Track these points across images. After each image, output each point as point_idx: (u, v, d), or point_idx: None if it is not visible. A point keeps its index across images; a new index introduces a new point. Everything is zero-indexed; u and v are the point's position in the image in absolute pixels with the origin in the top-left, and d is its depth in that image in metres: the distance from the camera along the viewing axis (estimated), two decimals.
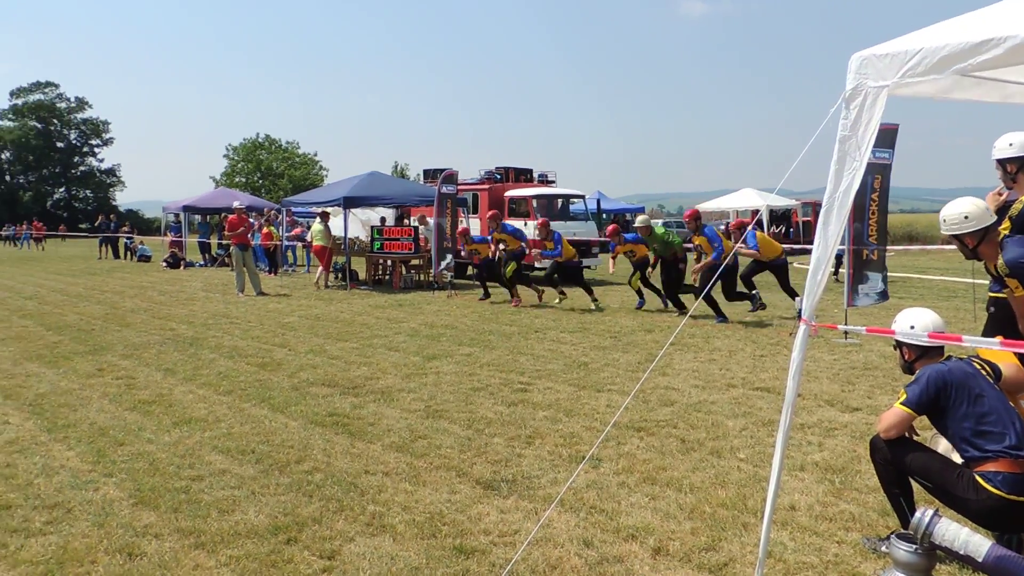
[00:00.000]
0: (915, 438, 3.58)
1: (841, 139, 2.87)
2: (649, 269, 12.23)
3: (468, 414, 5.94)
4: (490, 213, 13.80)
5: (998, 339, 2.78)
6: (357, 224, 20.08)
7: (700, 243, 10.98)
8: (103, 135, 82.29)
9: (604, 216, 36.14)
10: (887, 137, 9.04)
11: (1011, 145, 4.27)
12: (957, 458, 3.39)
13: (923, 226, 39.55)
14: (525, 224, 17.46)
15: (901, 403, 3.35)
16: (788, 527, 3.80)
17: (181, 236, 25.24)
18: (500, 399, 6.42)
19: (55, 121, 79.24)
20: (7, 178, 77.97)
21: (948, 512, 3.39)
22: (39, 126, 77.79)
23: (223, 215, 24.34)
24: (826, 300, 12.35)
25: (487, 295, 13.94)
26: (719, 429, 5.48)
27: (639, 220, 12.15)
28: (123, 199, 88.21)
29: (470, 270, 18.16)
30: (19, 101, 78.26)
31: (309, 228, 21.72)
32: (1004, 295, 4.04)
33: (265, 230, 20.87)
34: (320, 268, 16.78)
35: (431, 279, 16.56)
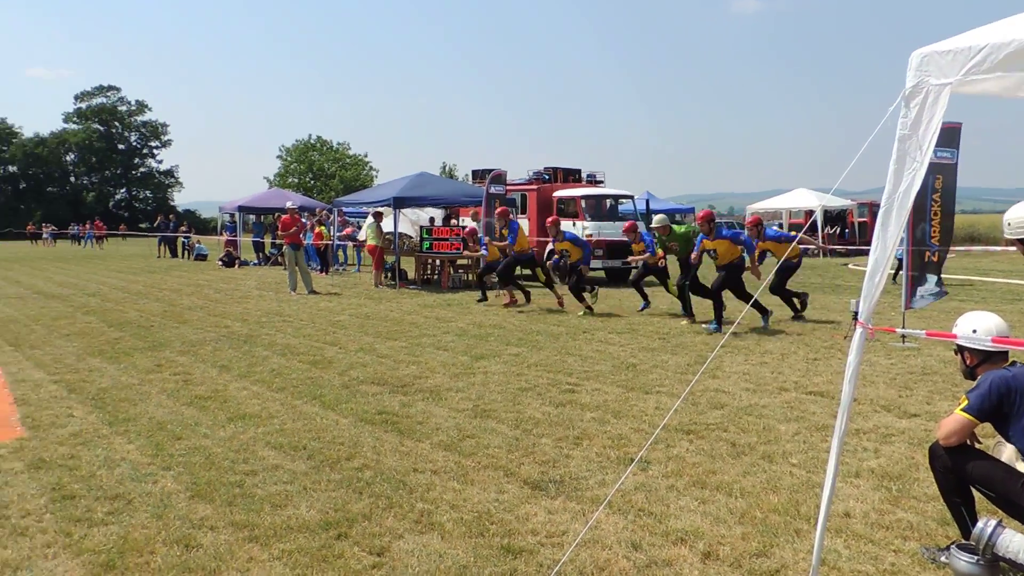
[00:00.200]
0: (977, 446, 3.47)
1: (901, 138, 2.79)
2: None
3: (516, 414, 5.95)
4: (550, 220, 13.00)
5: None
6: (406, 224, 20.29)
7: (716, 247, 10.10)
8: (162, 137, 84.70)
9: (653, 217, 35.93)
10: (950, 136, 8.78)
11: None
12: (1022, 467, 3.28)
13: (985, 227, 38.29)
14: (574, 224, 17.44)
15: (962, 409, 3.25)
16: (843, 534, 3.72)
17: (236, 235, 25.84)
18: (548, 399, 6.42)
19: (117, 124, 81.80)
20: (72, 179, 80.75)
21: (1012, 523, 3.28)
22: (102, 129, 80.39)
23: (276, 215, 24.82)
24: (883, 303, 12.05)
25: (484, 298, 13.49)
26: (771, 433, 5.39)
27: (656, 220, 11.57)
28: (181, 199, 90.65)
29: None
30: (83, 105, 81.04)
31: (359, 228, 22.04)
32: None
33: (317, 230, 21.22)
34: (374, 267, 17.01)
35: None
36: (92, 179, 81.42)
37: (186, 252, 30.48)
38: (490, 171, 17.95)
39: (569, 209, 18.06)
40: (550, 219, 12.97)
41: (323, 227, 21.51)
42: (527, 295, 13.26)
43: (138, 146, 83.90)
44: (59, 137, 78.67)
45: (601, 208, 18.50)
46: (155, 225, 35.75)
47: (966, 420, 3.24)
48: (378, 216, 17.29)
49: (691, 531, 3.75)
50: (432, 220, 20.53)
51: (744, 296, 10.20)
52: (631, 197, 19.91)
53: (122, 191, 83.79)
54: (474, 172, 22.51)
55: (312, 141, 75.67)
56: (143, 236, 53.04)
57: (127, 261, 28.59)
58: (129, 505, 4.12)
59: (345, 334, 10.07)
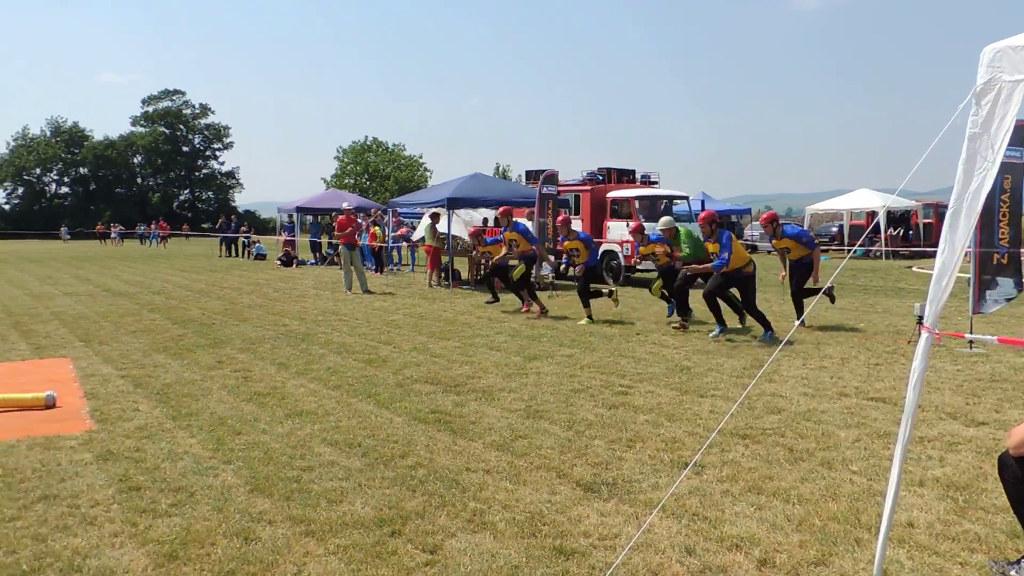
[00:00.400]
0: None
1: (971, 137, 2.70)
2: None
3: (568, 415, 5.93)
4: (560, 218, 12.66)
5: None
6: (460, 225, 20.43)
7: (715, 250, 9.66)
8: (224, 139, 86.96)
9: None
10: (1020, 135, 8.44)
11: None
12: None
13: None
14: (628, 225, 17.30)
15: None
16: (905, 545, 3.61)
17: (294, 235, 26.37)
18: (601, 401, 6.39)
19: (181, 127, 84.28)
20: (138, 180, 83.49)
21: None
22: (167, 132, 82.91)
23: (333, 215, 25.26)
24: (948, 307, 11.67)
25: (496, 299, 12.92)
26: (830, 439, 5.27)
27: (662, 222, 11.20)
28: (242, 200, 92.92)
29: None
30: (150, 108, 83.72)
31: (413, 228, 22.27)
32: None
33: (372, 230, 21.51)
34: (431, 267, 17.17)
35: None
36: (158, 180, 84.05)
37: (246, 252, 31.22)
38: (543, 171, 17.94)
39: (623, 210, 17.94)
40: (560, 217, 12.32)
41: (378, 227, 21.80)
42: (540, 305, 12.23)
43: (201, 148, 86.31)
44: (127, 140, 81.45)
45: (655, 209, 18.32)
46: (217, 226, 36.71)
47: None
48: (435, 217, 17.45)
49: (747, 537, 3.69)
50: (485, 221, 20.63)
51: (749, 307, 9.60)
52: (685, 198, 19.68)
53: (186, 192, 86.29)
54: (527, 173, 22.55)
55: (368, 142, 76.79)
56: (205, 236, 54.52)
57: (190, 260, 29.43)
58: (191, 498, 4.24)
59: (399, 333, 10.18)
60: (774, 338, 9.24)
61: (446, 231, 17.24)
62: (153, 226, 50.60)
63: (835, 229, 32.82)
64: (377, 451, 5.05)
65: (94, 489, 4.36)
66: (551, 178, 17.19)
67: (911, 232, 29.44)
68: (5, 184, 77.47)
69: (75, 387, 6.98)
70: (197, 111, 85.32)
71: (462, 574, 3.37)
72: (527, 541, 3.68)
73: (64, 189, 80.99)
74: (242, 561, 3.46)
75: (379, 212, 24.36)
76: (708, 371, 7.58)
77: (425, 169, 77.42)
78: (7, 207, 77.15)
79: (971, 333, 8.72)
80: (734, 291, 10.07)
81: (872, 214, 29.42)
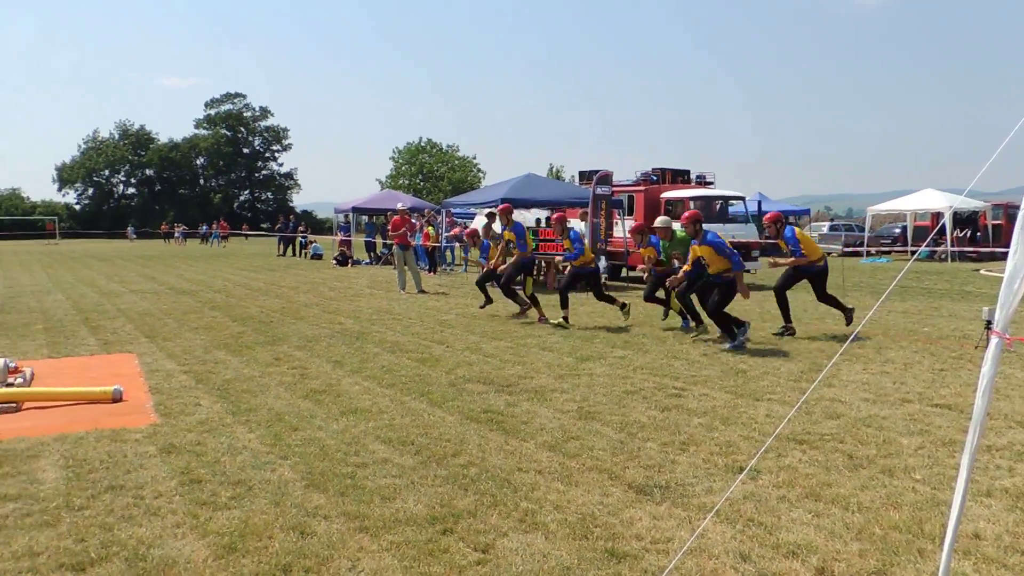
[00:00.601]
0: None
1: None
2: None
3: (621, 417, 5.89)
4: (555, 215, 11.75)
5: None
6: None
7: (704, 253, 9.04)
8: (283, 141, 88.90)
9: None
10: None
11: None
12: None
13: None
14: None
15: None
16: (971, 557, 3.48)
17: (350, 235, 26.78)
18: (654, 403, 6.33)
19: (242, 129, 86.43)
20: (201, 182, 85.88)
21: None
22: (228, 134, 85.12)
23: (387, 216, 25.58)
24: (1020, 311, 11.24)
25: (489, 301, 12.28)
26: (891, 446, 5.12)
27: (659, 221, 10.56)
28: (299, 200, 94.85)
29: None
30: (212, 111, 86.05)
31: (465, 228, 22.38)
32: None
33: (426, 230, 21.71)
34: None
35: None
36: (219, 181, 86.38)
37: (303, 251, 31.83)
38: (597, 172, 17.86)
39: (677, 211, 17.74)
40: (556, 215, 11.67)
41: (432, 228, 21.99)
42: (537, 307, 11.45)
43: (261, 150, 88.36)
44: (190, 142, 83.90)
45: (711, 210, 18.09)
46: (276, 226, 37.51)
47: None
48: (491, 217, 17.53)
49: (804, 545, 3.61)
50: (539, 221, 20.64)
51: (718, 316, 8.93)
52: (742, 198, 19.37)
53: (246, 193, 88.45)
54: (581, 173, 22.48)
55: (422, 144, 77.51)
56: (264, 236, 55.76)
57: (249, 259, 30.14)
58: (250, 491, 4.34)
59: (452, 333, 10.25)
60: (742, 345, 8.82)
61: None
62: (215, 226, 51.99)
63: (898, 230, 31.92)
64: (430, 449, 5.10)
65: (157, 481, 4.50)
66: (605, 179, 17.11)
67: (979, 234, 28.43)
68: (76, 185, 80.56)
69: (140, 382, 7.21)
70: (257, 113, 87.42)
71: (513, 574, 3.37)
72: (579, 543, 3.66)
73: (131, 190, 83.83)
74: (298, 555, 3.53)
75: (432, 212, 24.57)
76: (764, 374, 7.44)
77: (478, 170, 77.85)
78: (78, 207, 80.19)
79: None
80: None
81: (938, 215, 28.53)
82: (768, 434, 5.32)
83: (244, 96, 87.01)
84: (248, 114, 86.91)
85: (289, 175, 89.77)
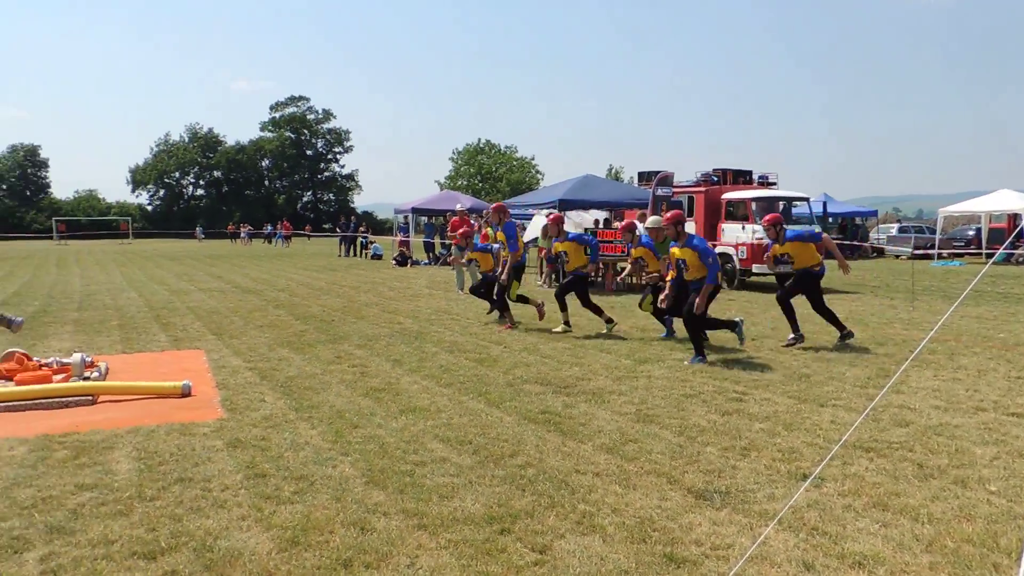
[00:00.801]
0: None
1: None
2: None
3: (680, 420, 5.82)
4: (552, 216, 11.34)
5: None
6: (571, 226, 20.41)
7: (686, 257, 8.40)
8: (344, 143, 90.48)
9: (830, 220, 33.88)
10: None
11: None
12: None
13: None
14: (743, 228, 16.82)
15: None
16: None
17: (409, 236, 27.09)
18: (714, 407, 6.23)
19: (305, 131, 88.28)
20: (266, 183, 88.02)
21: None
22: (292, 136, 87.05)
23: (447, 216, 25.78)
24: None
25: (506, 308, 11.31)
26: (964, 456, 4.93)
27: (650, 221, 9.98)
28: (360, 201, 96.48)
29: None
30: (277, 114, 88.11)
31: (524, 229, 22.41)
32: None
33: (484, 231, 21.81)
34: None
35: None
36: (283, 183, 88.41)
37: (364, 252, 32.33)
38: (656, 173, 17.69)
39: (739, 212, 17.45)
40: (552, 215, 11.09)
41: (490, 228, 22.08)
42: (540, 310, 10.93)
43: (323, 151, 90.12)
44: (256, 144, 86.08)
45: (773, 211, 17.71)
46: (337, 227, 38.19)
47: None
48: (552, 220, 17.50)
49: (871, 555, 3.51)
50: (597, 222, 20.54)
51: (701, 324, 8.40)
52: (806, 199, 18.92)
53: (308, 194, 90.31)
54: (640, 174, 22.29)
55: (481, 144, 77.93)
56: (325, 236, 56.83)
57: (311, 259, 30.76)
58: (312, 487, 4.42)
59: (509, 333, 10.28)
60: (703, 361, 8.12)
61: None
62: (279, 226, 53.23)
63: (971, 232, 30.77)
64: (487, 449, 5.12)
65: (224, 474, 4.63)
66: (665, 179, 16.93)
67: None
68: (148, 186, 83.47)
69: (208, 377, 7.43)
70: (320, 116, 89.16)
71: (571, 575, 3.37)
72: (637, 546, 3.63)
73: (199, 191, 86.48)
74: (358, 550, 3.58)
75: (489, 213, 24.69)
76: (829, 380, 7.26)
77: (537, 171, 77.89)
78: (150, 208, 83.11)
79: None
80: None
81: (1015, 216, 27.37)
82: (833, 441, 5.19)
83: (308, 99, 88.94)
84: (311, 116, 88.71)
85: (350, 176, 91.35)
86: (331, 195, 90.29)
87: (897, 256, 30.74)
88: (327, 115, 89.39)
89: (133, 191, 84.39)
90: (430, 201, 29.02)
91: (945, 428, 5.56)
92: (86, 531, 3.79)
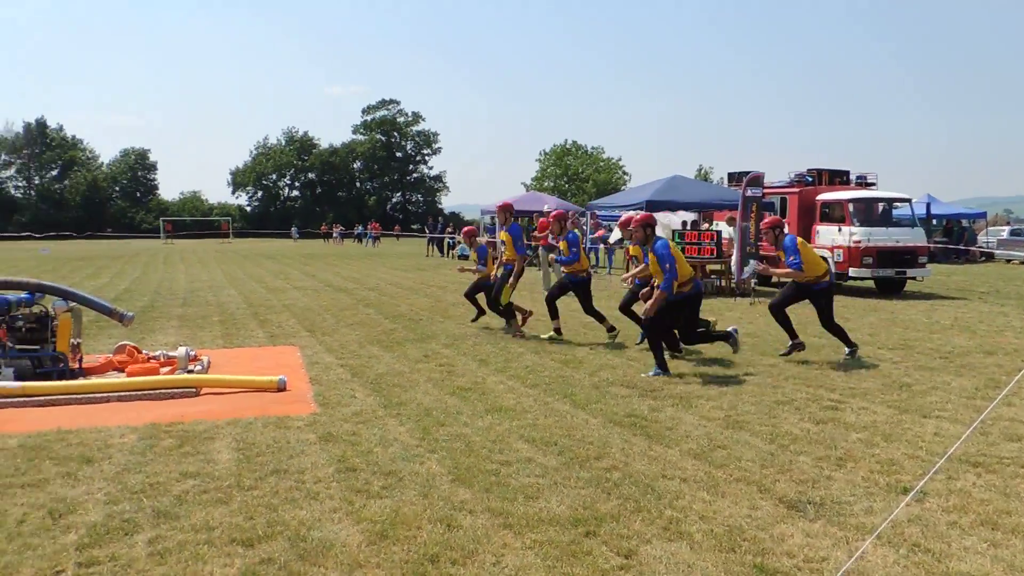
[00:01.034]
0: None
1: None
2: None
3: (771, 428, 5.66)
4: (554, 213, 10.55)
5: None
6: (658, 228, 20.15)
7: (564, 247, 9.40)
8: (433, 145, 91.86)
9: (934, 222, 32.25)
10: None
11: None
12: None
13: None
14: (839, 230, 16.22)
15: None
16: None
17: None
18: (807, 415, 6.03)
19: (395, 134, 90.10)
20: (357, 184, 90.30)
21: None
22: (382, 138, 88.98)
23: (533, 217, 25.84)
24: None
25: (527, 312, 10.83)
26: None
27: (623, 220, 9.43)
28: (447, 202, 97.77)
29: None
30: (368, 118, 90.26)
31: (611, 230, 22.27)
32: None
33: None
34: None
35: (732, 285, 16.08)
36: (374, 184, 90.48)
37: (451, 252, 32.77)
38: (747, 173, 17.25)
39: (835, 213, 16.82)
40: (554, 213, 10.44)
41: (577, 229, 22.04)
42: (514, 319, 10.46)
43: (412, 153, 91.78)
44: (348, 147, 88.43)
45: (872, 212, 17.01)
46: (425, 227, 38.84)
47: None
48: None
49: None
50: (685, 224, 20.21)
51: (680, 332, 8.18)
52: (908, 200, 18.09)
53: (397, 195, 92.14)
54: (730, 175, 21.78)
55: (568, 145, 77.78)
56: (414, 236, 57.89)
57: (400, 259, 31.39)
58: (400, 482, 4.52)
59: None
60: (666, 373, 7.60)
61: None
62: (369, 227, 54.56)
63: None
64: (573, 451, 5.11)
65: (317, 467, 4.78)
66: (756, 180, 16.48)
67: None
68: (248, 188, 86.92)
69: (302, 373, 7.68)
70: (410, 119, 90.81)
71: None
72: (725, 555, 3.55)
73: (295, 192, 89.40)
74: (445, 547, 3.63)
75: (576, 214, 24.60)
76: (932, 389, 6.92)
77: (623, 172, 77.20)
78: (249, 208, 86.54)
79: None
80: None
81: None
82: (936, 454, 4.95)
83: (398, 102, 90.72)
84: (401, 119, 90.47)
85: (438, 178, 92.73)
86: (419, 196, 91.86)
87: (1008, 260, 29.01)
88: (416, 117, 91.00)
89: (233, 192, 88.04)
90: (516, 202, 29.10)
91: None
92: (189, 517, 3.98)
